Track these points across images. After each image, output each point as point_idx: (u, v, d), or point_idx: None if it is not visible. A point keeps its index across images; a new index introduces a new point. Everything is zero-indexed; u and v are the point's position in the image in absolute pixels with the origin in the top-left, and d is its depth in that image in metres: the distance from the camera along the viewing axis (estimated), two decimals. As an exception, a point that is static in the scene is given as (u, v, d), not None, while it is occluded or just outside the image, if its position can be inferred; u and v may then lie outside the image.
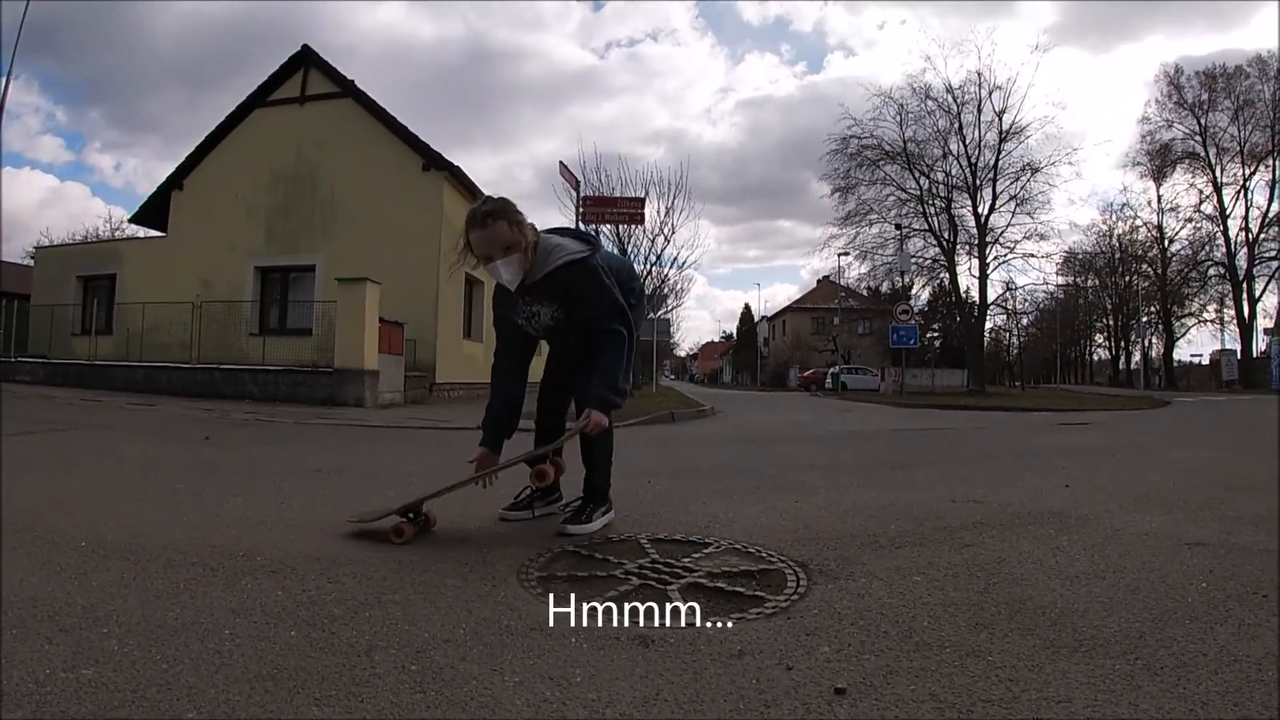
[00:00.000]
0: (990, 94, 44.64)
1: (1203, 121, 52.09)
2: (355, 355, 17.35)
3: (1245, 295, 52.68)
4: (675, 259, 36.70)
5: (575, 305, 4.44)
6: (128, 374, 20.18)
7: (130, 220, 27.58)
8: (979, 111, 44.64)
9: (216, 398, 17.91)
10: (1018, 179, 44.24)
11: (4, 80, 18.79)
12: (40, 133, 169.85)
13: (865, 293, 55.33)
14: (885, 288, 49.68)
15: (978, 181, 44.72)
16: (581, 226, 19.69)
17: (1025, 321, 71.54)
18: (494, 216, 4.21)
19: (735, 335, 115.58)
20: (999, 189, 44.71)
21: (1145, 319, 61.52)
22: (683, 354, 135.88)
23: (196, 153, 24.33)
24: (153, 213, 25.18)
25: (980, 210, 44.76)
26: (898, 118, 45.33)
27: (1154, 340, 64.77)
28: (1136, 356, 66.16)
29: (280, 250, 22.96)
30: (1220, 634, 2.71)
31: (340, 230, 22.12)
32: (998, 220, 44.81)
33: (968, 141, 44.98)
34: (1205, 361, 60.78)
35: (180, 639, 2.60)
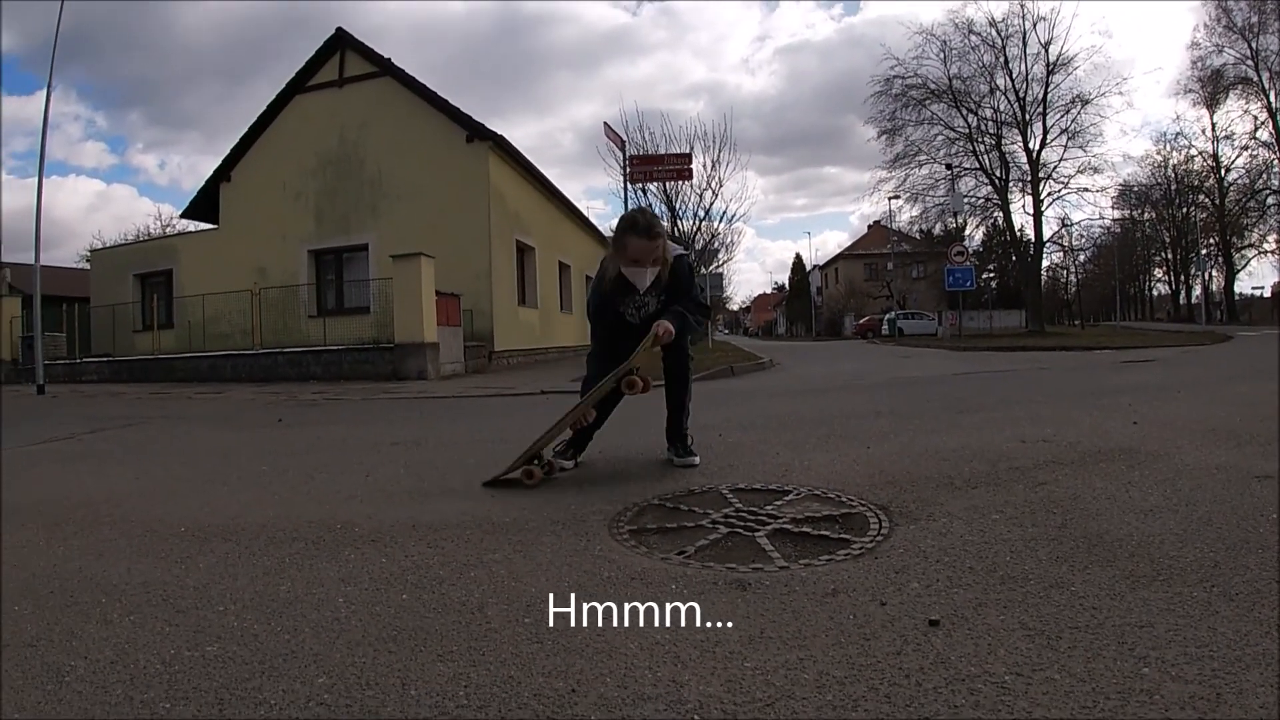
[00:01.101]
0: (1035, 25, 43.78)
1: (1254, 45, 50.52)
2: (415, 329, 17.53)
3: (1307, 223, 51.58)
4: (724, 212, 36.49)
5: (674, 293, 5.14)
6: (192, 365, 20.52)
7: (181, 215, 27.89)
8: (1024, 44, 43.76)
9: (281, 381, 18.26)
10: (1068, 111, 43.38)
11: (45, 91, 18.78)
12: (82, 139, 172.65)
13: (918, 236, 54.52)
14: (938, 230, 48.91)
15: (1027, 116, 43.95)
16: (629, 186, 19.70)
17: (1082, 258, 70.86)
18: (659, 234, 5.02)
19: (788, 286, 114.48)
20: (1049, 123, 43.88)
21: (1204, 251, 60.34)
22: (735, 308, 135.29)
23: (241, 144, 24.57)
24: (203, 206, 25.51)
25: (1031, 145, 44.00)
26: (941, 55, 44.58)
27: (1214, 273, 63.58)
28: (1197, 290, 65.02)
29: (331, 233, 23.17)
30: (1291, 562, 2.77)
31: (389, 208, 22.30)
32: (1050, 155, 44.02)
33: (1014, 76, 44.14)
34: (1268, 294, 59.65)
35: (296, 610, 2.73)
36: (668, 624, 2.48)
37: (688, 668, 2.16)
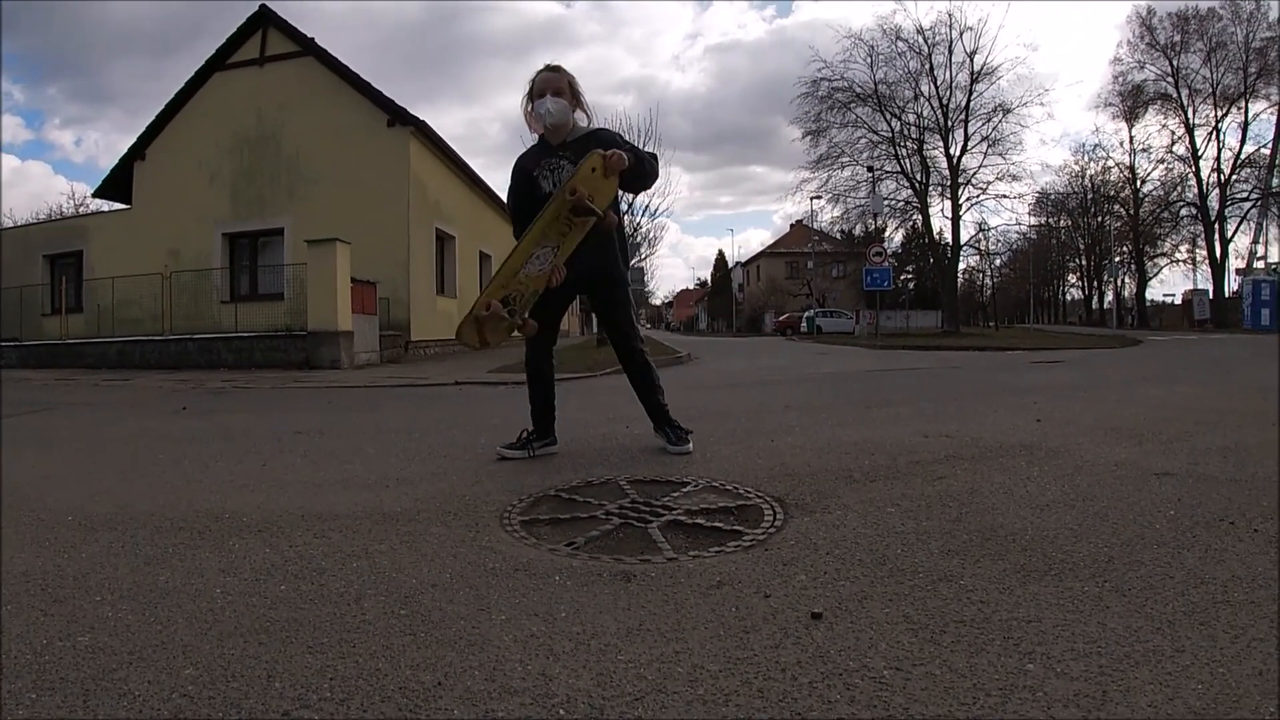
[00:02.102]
0: (961, 35, 44.47)
1: (1175, 63, 51.72)
2: (329, 317, 17.26)
3: (1217, 236, 52.67)
4: (647, 206, 36.40)
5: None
6: (101, 351, 20.00)
7: (94, 195, 27.06)
8: (950, 53, 44.32)
9: (191, 368, 17.82)
10: (989, 120, 44.00)
11: None
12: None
13: (839, 236, 55.11)
14: (858, 231, 49.45)
15: (949, 123, 44.55)
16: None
17: (999, 262, 72.04)
18: (563, 71, 5.01)
19: (710, 282, 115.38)
20: (971, 130, 44.48)
21: (1118, 259, 61.73)
22: (658, 302, 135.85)
23: (157, 121, 23.88)
24: (116, 186, 24.77)
25: (952, 151, 44.60)
26: (868, 59, 44.91)
27: (1126, 280, 65.14)
28: (1109, 296, 66.51)
29: (247, 215, 22.65)
30: (1187, 558, 2.78)
31: (307, 192, 21.83)
32: (970, 161, 44.67)
33: (939, 83, 44.71)
34: (1178, 301, 60.95)
35: (172, 600, 2.64)
36: (546, 616, 2.42)
37: (559, 660, 2.10)
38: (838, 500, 3.75)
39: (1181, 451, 4.77)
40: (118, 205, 25.35)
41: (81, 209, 51.49)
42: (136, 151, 24.11)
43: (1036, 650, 2.07)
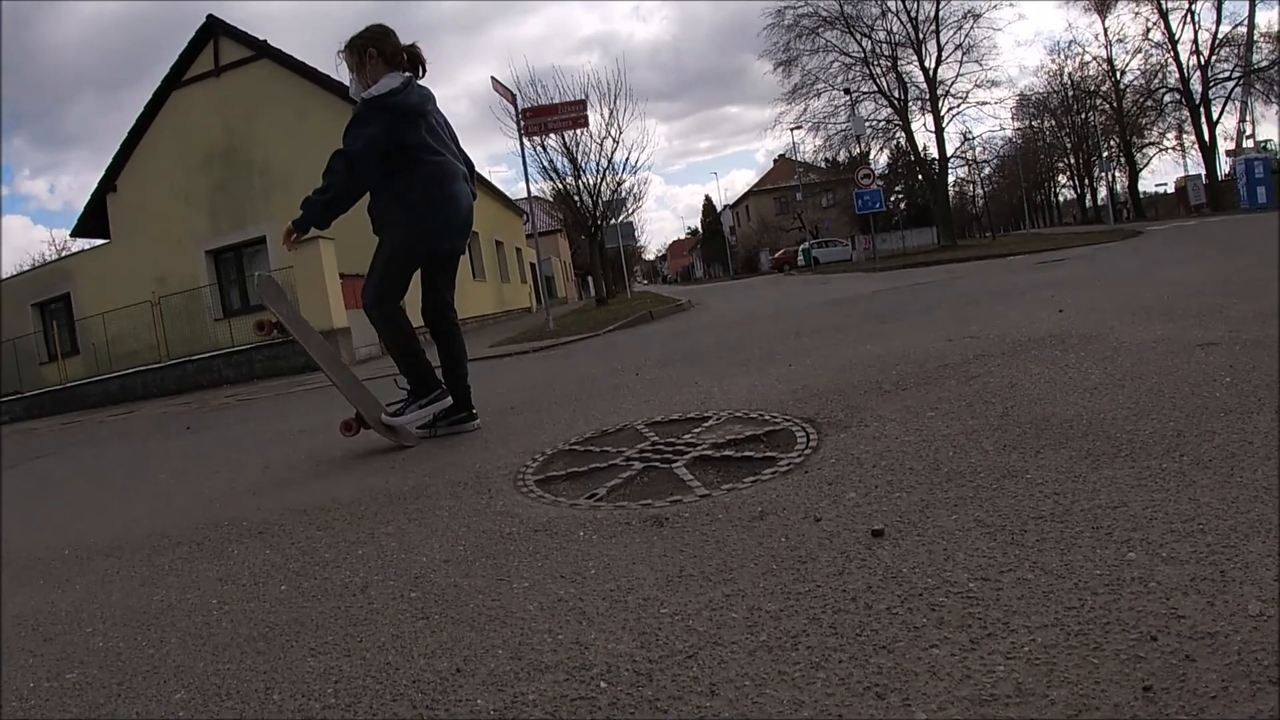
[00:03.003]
0: (922, -57, 43.90)
1: None
2: (322, 315, 16.90)
3: (1204, 119, 52.05)
4: (627, 161, 36.07)
5: None
6: (102, 388, 19.77)
7: (71, 234, 26.81)
8: (913, -38, 43.89)
9: (194, 390, 17.67)
10: (960, 27, 43.48)
11: None
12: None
13: (824, 165, 54.89)
14: (842, 157, 49.03)
15: (920, 35, 43.95)
16: (525, 142, 19.23)
17: (987, 171, 71.52)
18: (349, 49, 4.77)
19: (701, 229, 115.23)
20: (943, 40, 43.87)
21: (1106, 154, 61.19)
22: (651, 257, 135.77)
23: (123, 150, 23.62)
24: (93, 222, 24.52)
25: (927, 64, 44.05)
26: (830, -20, 44.51)
27: (1117, 174, 64.64)
28: (1102, 192, 65.98)
29: (227, 229, 22.44)
30: (1260, 421, 2.55)
31: (283, 195, 21.12)
32: (946, 72, 44.12)
33: (904, -5, 44.29)
34: (1171, 190, 60.54)
35: (166, 620, 2.47)
36: (574, 577, 2.20)
37: (594, 624, 1.87)
38: (872, 413, 3.53)
39: (1217, 322, 4.52)
40: (98, 241, 25.06)
41: (64, 252, 51.34)
42: (107, 184, 23.88)
43: (1133, 537, 1.85)
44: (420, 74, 4.83)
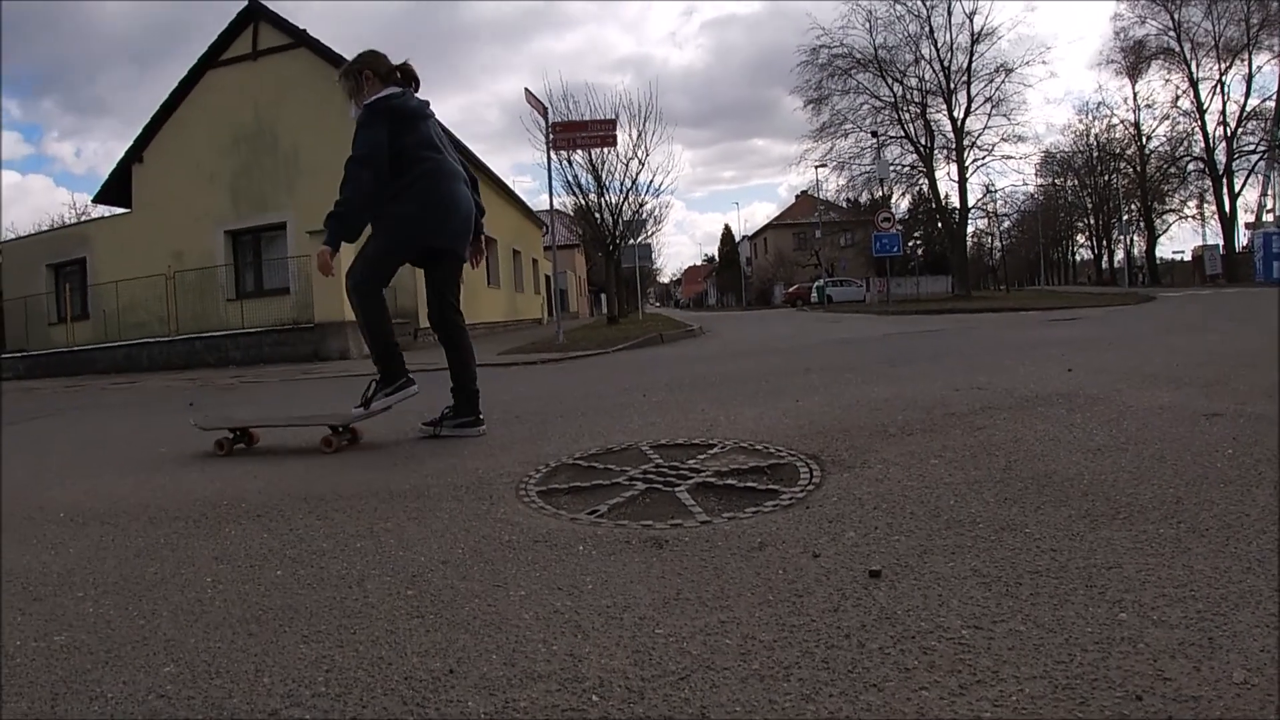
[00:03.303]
0: (959, -4, 43.97)
1: (1176, 16, 50.62)
2: (335, 308, 16.89)
3: (1225, 190, 51.95)
4: (650, 183, 36.08)
5: None
6: (109, 356, 19.82)
7: (94, 200, 26.91)
8: (949, 14, 43.69)
9: (200, 367, 17.69)
10: (992, 80, 43.36)
11: None
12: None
13: (845, 205, 54.82)
14: (864, 198, 49.00)
15: (952, 85, 43.97)
16: (552, 155, 19.30)
17: (1006, 224, 71.46)
18: (343, 77, 5.07)
19: (717, 257, 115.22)
20: (974, 92, 43.82)
21: (1126, 217, 61.17)
22: (666, 280, 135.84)
23: (153, 123, 23.59)
24: (116, 190, 24.47)
25: (956, 114, 44.00)
26: (867, 24, 44.23)
27: (1136, 238, 64.57)
28: (1119, 255, 65.93)
29: (248, 212, 22.40)
30: (1259, 496, 2.57)
31: (307, 184, 21.27)
32: (974, 123, 44.05)
33: (939, 45, 44.03)
34: (1188, 258, 60.39)
35: (159, 593, 2.47)
36: (571, 589, 2.20)
37: (589, 638, 1.88)
38: (877, 455, 3.54)
39: (1224, 394, 4.54)
40: (119, 210, 25.08)
41: (83, 217, 51.44)
42: (133, 155, 23.86)
43: (1126, 598, 1.88)
44: (414, 89, 5.01)
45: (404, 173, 4.87)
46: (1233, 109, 50.29)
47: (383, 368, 5.08)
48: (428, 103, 5.06)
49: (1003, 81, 43.03)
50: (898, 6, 43.78)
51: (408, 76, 5.01)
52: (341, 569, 2.54)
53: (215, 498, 3.74)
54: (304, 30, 22.19)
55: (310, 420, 5.25)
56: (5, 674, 1.95)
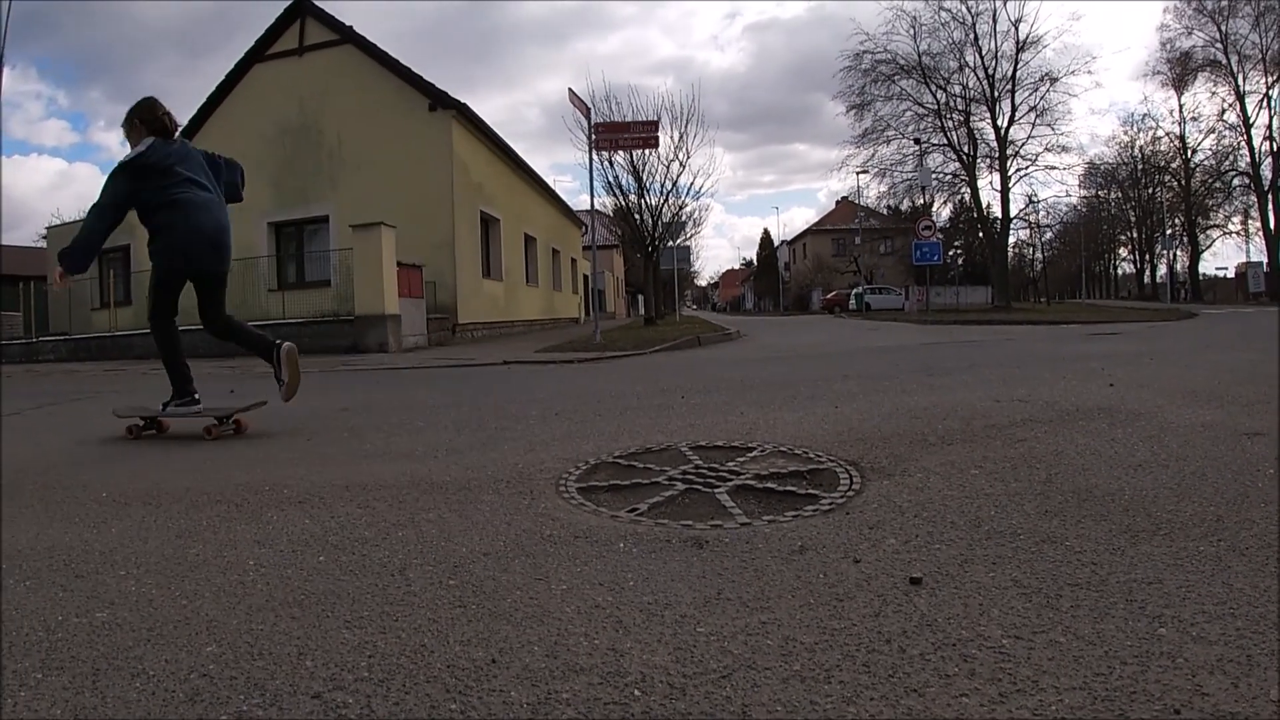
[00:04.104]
0: (1005, 2, 43.64)
1: (1223, 28, 49.90)
2: (375, 301, 17.14)
3: (1271, 206, 51.18)
4: (691, 186, 36.10)
5: None
6: (149, 341, 19.72)
7: (139, 189, 27.19)
8: (994, 21, 43.34)
9: (240, 356, 17.75)
10: (1036, 89, 42.99)
11: None
12: (44, 118, 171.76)
13: (885, 212, 54.60)
14: (905, 206, 48.78)
15: (996, 93, 43.67)
16: (594, 155, 19.36)
17: (1048, 235, 70.86)
18: (128, 120, 5.67)
19: (755, 261, 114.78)
20: (1018, 100, 43.43)
21: (1169, 231, 60.52)
22: (703, 283, 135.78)
23: (199, 115, 23.79)
24: (161, 179, 24.75)
25: (1000, 123, 43.68)
26: (911, 31, 43.98)
27: (1179, 253, 63.81)
28: (1162, 270, 65.34)
29: (291, 204, 22.55)
30: (1301, 516, 2.55)
31: (350, 178, 21.70)
32: (1018, 133, 43.69)
33: (984, 52, 43.71)
34: (1231, 274, 59.68)
35: (201, 574, 2.50)
36: (612, 585, 2.22)
37: (630, 634, 1.90)
38: (916, 463, 3.54)
39: (1267, 413, 4.50)
40: (163, 199, 25.30)
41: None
42: (179, 146, 24.00)
43: (1165, 613, 1.88)
44: (172, 134, 5.73)
45: (155, 214, 5.51)
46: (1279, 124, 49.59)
47: (175, 385, 5.87)
48: (181, 150, 5.74)
49: (1047, 90, 42.67)
50: (942, 12, 43.51)
51: (164, 127, 5.66)
52: (384, 557, 2.57)
53: (256, 483, 3.78)
54: (350, 27, 22.33)
55: (203, 412, 5.74)
56: (45, 649, 1.98)
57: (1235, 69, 50.01)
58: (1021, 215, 47.82)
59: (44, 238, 35.87)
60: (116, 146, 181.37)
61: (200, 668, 1.83)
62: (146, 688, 1.75)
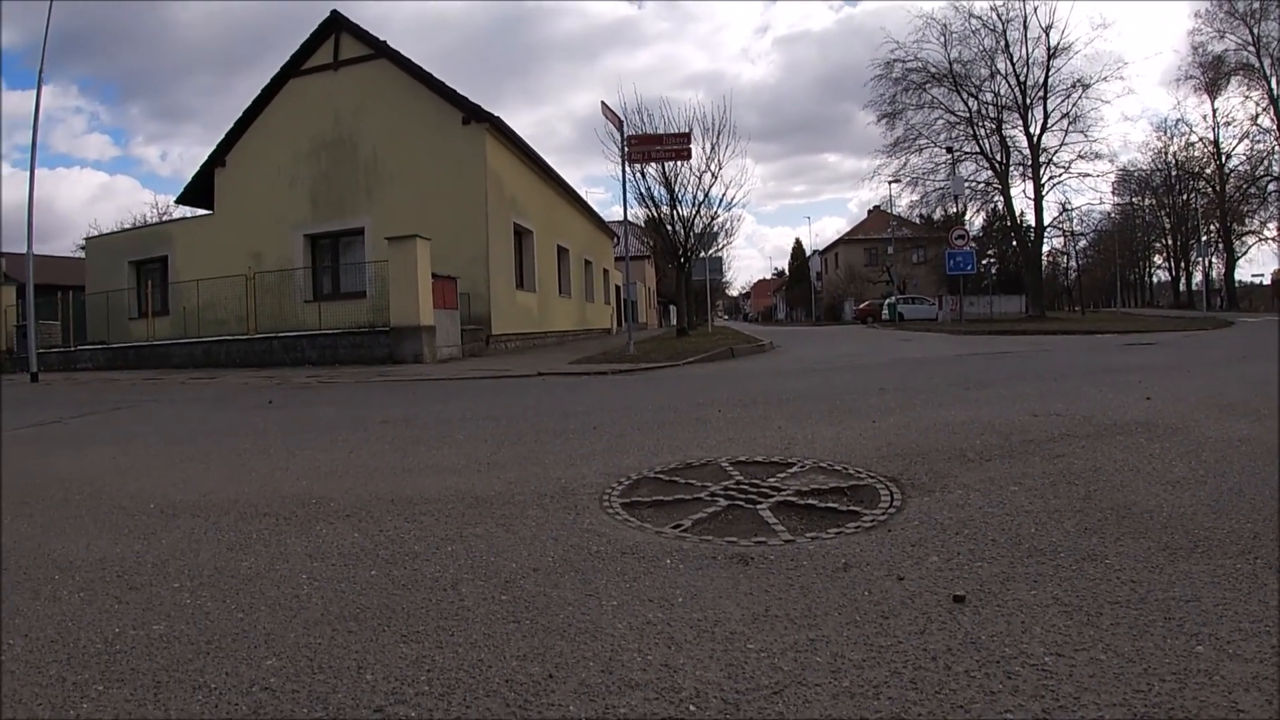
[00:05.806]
0: (1035, 9, 43.37)
1: (1255, 31, 49.34)
2: (410, 312, 17.25)
3: (1308, 212, 50.84)
4: (723, 197, 36.02)
5: None
6: (187, 351, 20.26)
7: (177, 201, 27.52)
8: (1025, 28, 42.89)
9: (276, 366, 17.96)
10: (1068, 96, 42.62)
11: (37, 80, 18.57)
12: (85, 132, 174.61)
13: (918, 221, 54.23)
14: (938, 215, 48.48)
15: (1028, 100, 43.32)
16: (627, 167, 19.43)
17: (1083, 244, 70.26)
18: None
19: (787, 271, 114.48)
20: (1050, 107, 43.08)
21: (1204, 238, 59.83)
22: (735, 293, 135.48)
23: (235, 129, 24.10)
24: (198, 192, 25.09)
25: (1032, 130, 43.30)
26: (941, 39, 43.71)
27: (1214, 260, 63.08)
28: (1197, 277, 64.56)
29: (327, 217, 22.74)
30: (1338, 535, 2.57)
31: (385, 191, 21.90)
32: (1050, 140, 43.25)
33: (1015, 60, 43.32)
34: (1267, 281, 59.06)
35: (255, 587, 2.56)
36: (661, 602, 2.27)
37: (683, 650, 1.95)
38: (956, 480, 3.57)
39: (1305, 428, 4.49)
40: (201, 211, 25.62)
41: (165, 216, 52.57)
42: (216, 159, 24.37)
43: (1202, 631, 1.92)
44: None
45: None
46: (1315, 127, 48.95)
47: None
48: None
49: (1080, 97, 42.26)
50: (973, 20, 43.20)
51: None
52: (435, 572, 2.62)
53: (303, 495, 3.85)
54: (384, 42, 22.48)
55: None
56: (105, 661, 2.03)
57: (1268, 72, 49.35)
58: (1055, 223, 47.47)
59: (82, 248, 36.32)
60: (156, 160, 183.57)
61: (261, 681, 1.89)
62: (209, 700, 1.81)
